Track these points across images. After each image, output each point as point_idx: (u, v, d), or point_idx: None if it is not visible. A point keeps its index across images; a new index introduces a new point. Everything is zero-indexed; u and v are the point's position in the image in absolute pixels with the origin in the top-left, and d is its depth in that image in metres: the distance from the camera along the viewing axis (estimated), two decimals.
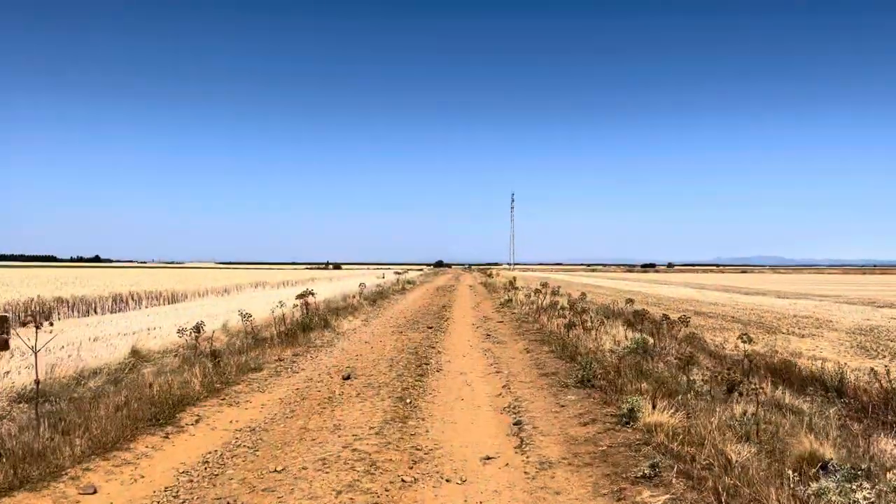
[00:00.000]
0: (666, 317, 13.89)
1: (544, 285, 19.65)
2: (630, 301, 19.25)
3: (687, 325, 12.84)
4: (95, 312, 27.19)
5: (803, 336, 18.18)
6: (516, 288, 24.84)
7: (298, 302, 17.30)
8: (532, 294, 20.84)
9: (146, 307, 31.18)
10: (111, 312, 27.83)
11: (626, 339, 13.55)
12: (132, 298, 30.82)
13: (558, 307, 19.20)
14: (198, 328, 12.02)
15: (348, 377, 9.14)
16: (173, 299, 35.16)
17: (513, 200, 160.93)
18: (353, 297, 26.75)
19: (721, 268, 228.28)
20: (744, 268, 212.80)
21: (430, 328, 15.39)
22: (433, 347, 11.96)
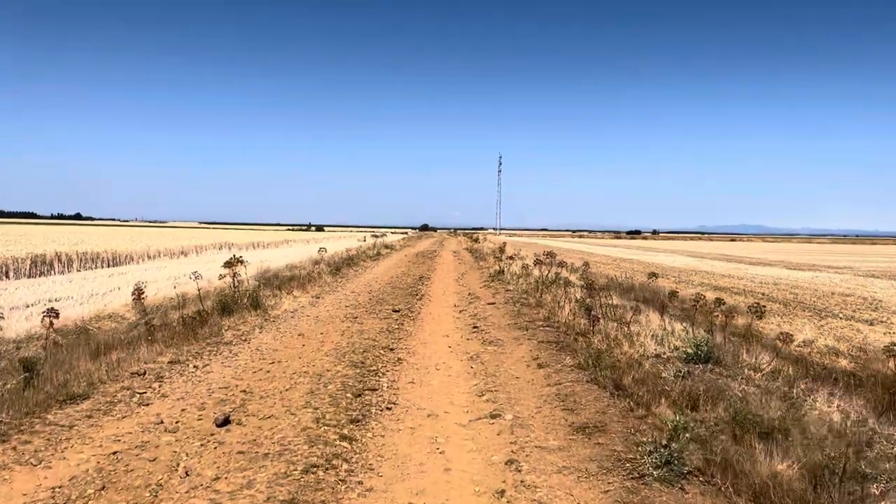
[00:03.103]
0: (720, 301, 9.95)
1: (548, 255, 15.64)
2: (653, 275, 15.33)
3: (762, 317, 8.91)
4: (7, 277, 22.89)
5: (870, 323, 14.46)
6: (511, 257, 20.80)
7: (226, 272, 13.17)
8: (532, 264, 16.84)
9: (78, 271, 26.82)
10: (28, 277, 23.51)
11: (667, 331, 9.65)
12: (59, 261, 26.40)
13: (561, 281, 15.27)
14: (53, 312, 8.12)
15: (227, 420, 5.11)
16: (114, 262, 30.79)
17: (500, 163, 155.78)
18: (316, 263, 22.70)
19: (709, 236, 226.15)
20: (732, 236, 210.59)
21: (397, 311, 11.35)
22: (392, 350, 7.92)
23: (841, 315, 15.99)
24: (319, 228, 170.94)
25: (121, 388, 5.98)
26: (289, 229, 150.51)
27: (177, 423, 5.09)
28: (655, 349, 8.42)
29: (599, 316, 8.76)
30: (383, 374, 6.64)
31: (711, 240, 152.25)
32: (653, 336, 9.14)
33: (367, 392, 5.88)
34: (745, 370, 7.78)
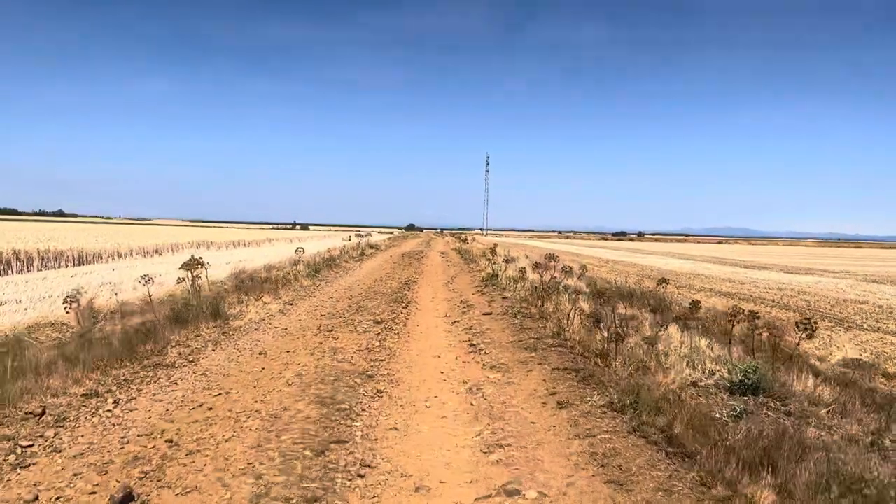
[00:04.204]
0: (753, 315, 8.49)
1: (549, 257, 14.20)
2: (663, 281, 13.93)
3: (812, 336, 7.49)
4: None
5: None
6: (507, 260, 19.31)
7: (185, 275, 11.57)
8: (527, 268, 15.37)
9: (39, 270, 25.00)
10: None
11: (693, 350, 8.22)
12: (18, 259, 24.56)
13: (562, 287, 13.83)
14: None
15: (128, 497, 3.57)
16: (82, 261, 28.95)
17: (487, 163, 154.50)
18: (294, 265, 21.13)
19: (695, 238, 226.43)
20: (719, 238, 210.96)
21: (379, 323, 9.83)
22: (371, 377, 6.39)
23: (866, 326, 14.69)
24: (304, 227, 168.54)
25: None
26: (273, 228, 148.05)
27: (56, 500, 3.56)
28: (690, 374, 6.98)
29: (623, 334, 7.30)
30: (357, 414, 5.12)
31: (698, 242, 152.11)
32: (682, 357, 7.71)
33: (333, 446, 4.36)
34: (804, 403, 6.37)
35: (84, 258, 29.50)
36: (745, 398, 6.28)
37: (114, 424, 4.87)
